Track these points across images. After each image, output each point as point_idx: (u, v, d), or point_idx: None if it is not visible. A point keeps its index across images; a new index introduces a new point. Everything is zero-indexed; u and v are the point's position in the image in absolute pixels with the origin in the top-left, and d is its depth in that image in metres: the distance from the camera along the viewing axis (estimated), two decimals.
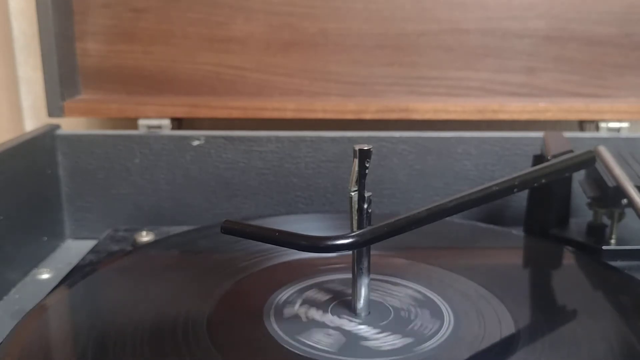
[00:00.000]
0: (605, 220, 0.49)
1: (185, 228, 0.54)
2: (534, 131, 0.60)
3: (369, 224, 0.35)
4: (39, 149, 0.56)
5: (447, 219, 0.35)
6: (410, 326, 0.35)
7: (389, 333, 0.35)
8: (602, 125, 0.62)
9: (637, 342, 0.34)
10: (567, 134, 0.55)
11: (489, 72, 0.63)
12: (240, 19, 0.62)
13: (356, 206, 0.34)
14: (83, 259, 0.49)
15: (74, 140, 0.58)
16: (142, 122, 0.61)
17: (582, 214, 0.53)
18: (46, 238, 0.55)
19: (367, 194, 0.34)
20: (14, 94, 0.71)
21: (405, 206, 0.59)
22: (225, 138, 0.59)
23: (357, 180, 0.34)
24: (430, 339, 0.34)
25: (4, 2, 0.68)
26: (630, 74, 0.63)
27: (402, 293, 0.39)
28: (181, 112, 0.62)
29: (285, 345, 0.33)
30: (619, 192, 0.45)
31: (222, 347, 0.33)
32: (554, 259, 0.47)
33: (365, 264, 0.36)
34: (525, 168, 0.40)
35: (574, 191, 0.52)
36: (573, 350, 0.33)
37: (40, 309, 0.38)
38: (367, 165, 0.34)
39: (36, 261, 0.53)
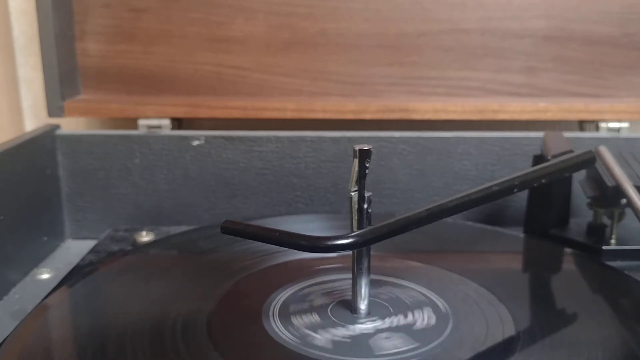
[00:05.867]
0: (605, 220, 0.49)
1: (185, 228, 0.54)
2: (534, 131, 0.60)
3: (369, 224, 0.35)
4: (39, 149, 0.56)
5: (448, 219, 0.35)
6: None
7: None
8: (602, 125, 0.62)
9: (637, 343, 0.34)
10: (567, 134, 0.55)
11: (489, 72, 0.63)
12: (240, 19, 0.62)
13: (356, 206, 0.34)
14: (83, 259, 0.49)
15: (74, 140, 0.58)
16: (142, 122, 0.61)
17: (582, 214, 0.53)
18: (46, 238, 0.55)
19: (367, 194, 0.34)
20: (14, 94, 0.71)
21: (405, 206, 0.59)
22: (225, 138, 0.59)
23: (357, 180, 0.34)
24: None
25: (4, 2, 0.68)
26: (630, 74, 0.63)
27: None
28: (181, 112, 0.62)
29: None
30: (619, 192, 0.45)
31: (222, 347, 0.33)
32: (554, 259, 0.47)
33: (365, 264, 0.36)
34: (525, 168, 0.40)
35: (574, 191, 0.52)
36: (573, 350, 0.33)
37: (40, 309, 0.38)
38: (367, 165, 0.34)
39: (36, 261, 0.53)
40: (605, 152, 0.50)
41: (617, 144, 0.58)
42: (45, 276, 0.50)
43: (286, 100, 0.62)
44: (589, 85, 0.64)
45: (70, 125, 0.66)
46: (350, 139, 0.59)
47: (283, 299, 0.38)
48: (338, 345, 0.33)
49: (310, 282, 0.41)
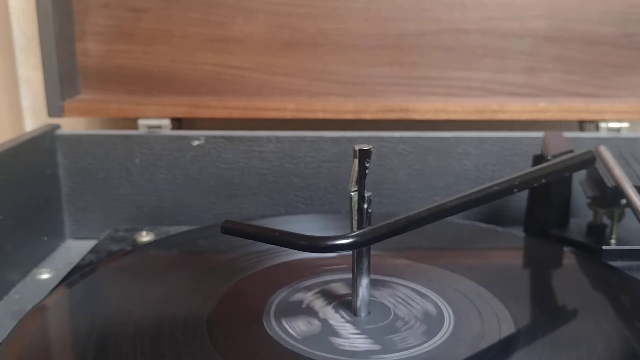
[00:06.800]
0: (605, 220, 0.49)
1: (185, 228, 0.54)
2: (534, 131, 0.60)
3: (369, 224, 0.35)
4: (39, 149, 0.56)
5: (447, 219, 0.35)
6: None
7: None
8: (602, 125, 0.62)
9: (637, 342, 0.34)
10: (567, 134, 0.55)
11: (489, 72, 0.63)
12: (240, 19, 0.62)
13: (356, 206, 0.34)
14: (83, 259, 0.49)
15: (74, 140, 0.58)
16: (142, 122, 0.61)
17: (582, 214, 0.53)
18: (46, 238, 0.55)
19: (367, 194, 0.34)
20: (14, 94, 0.71)
21: (405, 206, 0.59)
22: (225, 138, 0.59)
23: (357, 180, 0.34)
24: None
25: (4, 2, 0.68)
26: (630, 74, 0.63)
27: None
28: (181, 112, 0.62)
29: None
30: (619, 192, 0.45)
31: (222, 347, 0.33)
32: (554, 259, 0.47)
33: (365, 264, 0.36)
34: (525, 168, 0.40)
35: (574, 191, 0.52)
36: (573, 350, 0.33)
37: (40, 309, 0.38)
38: (367, 165, 0.34)
39: (36, 261, 0.53)
40: (605, 152, 0.50)
41: (617, 144, 0.58)
42: (45, 276, 0.50)
43: (286, 100, 0.62)
44: (589, 85, 0.64)
45: (70, 125, 0.66)
46: (350, 139, 0.59)
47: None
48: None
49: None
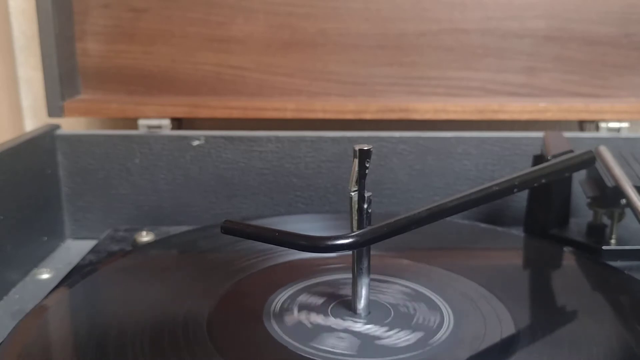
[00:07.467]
0: (605, 220, 0.49)
1: (185, 228, 0.54)
2: (534, 131, 0.60)
3: (369, 224, 0.35)
4: (39, 149, 0.56)
5: (447, 219, 0.35)
6: (410, 326, 0.35)
7: (389, 333, 0.35)
8: (602, 125, 0.62)
9: (636, 342, 0.34)
10: (567, 134, 0.55)
11: (489, 72, 0.63)
12: (240, 19, 0.62)
13: (356, 206, 0.34)
14: (83, 259, 0.49)
15: (74, 140, 0.58)
16: (142, 122, 0.61)
17: (582, 214, 0.53)
18: (46, 238, 0.55)
19: (367, 194, 0.34)
20: (14, 94, 0.71)
21: (405, 206, 0.59)
22: (225, 138, 0.59)
23: (357, 180, 0.34)
24: (430, 339, 0.34)
25: (4, 2, 0.68)
26: (630, 74, 0.63)
27: (402, 293, 0.39)
28: (181, 112, 0.62)
29: (285, 345, 0.33)
30: (618, 192, 0.45)
31: (222, 347, 0.33)
32: (554, 259, 0.47)
33: (365, 264, 0.36)
34: (525, 168, 0.40)
35: (574, 191, 0.52)
36: (573, 350, 0.33)
37: (40, 309, 0.38)
38: (367, 165, 0.34)
39: (36, 261, 0.53)
40: (605, 152, 0.50)
41: (617, 144, 0.58)
42: (45, 276, 0.50)
43: (286, 100, 0.62)
44: (589, 85, 0.64)
45: (70, 125, 0.66)
46: (350, 139, 0.59)
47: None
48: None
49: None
